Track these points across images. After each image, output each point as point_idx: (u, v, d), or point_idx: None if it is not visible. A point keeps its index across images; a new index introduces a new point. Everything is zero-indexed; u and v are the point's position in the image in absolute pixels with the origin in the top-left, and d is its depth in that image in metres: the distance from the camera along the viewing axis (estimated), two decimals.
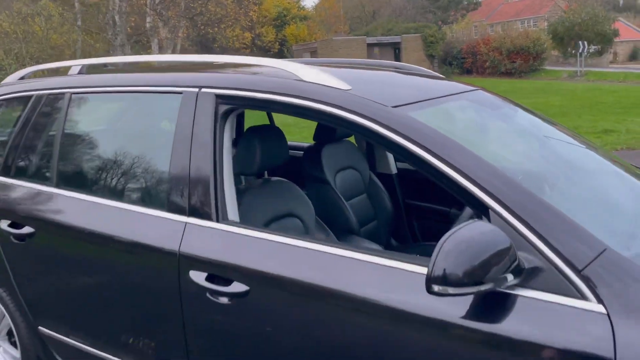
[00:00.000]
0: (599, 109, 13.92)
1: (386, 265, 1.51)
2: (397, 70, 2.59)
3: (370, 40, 35.05)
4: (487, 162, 1.48)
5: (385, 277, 1.50)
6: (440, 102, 1.87)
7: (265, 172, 2.92)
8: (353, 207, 2.83)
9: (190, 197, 1.86)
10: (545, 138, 2.07)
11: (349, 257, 1.56)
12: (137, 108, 2.27)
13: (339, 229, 2.73)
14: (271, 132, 2.22)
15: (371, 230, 2.96)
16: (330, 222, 2.75)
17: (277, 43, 42.71)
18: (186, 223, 1.85)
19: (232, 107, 1.89)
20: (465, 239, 1.28)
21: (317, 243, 1.64)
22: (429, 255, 1.32)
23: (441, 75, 2.66)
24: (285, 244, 1.67)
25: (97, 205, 2.09)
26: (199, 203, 1.84)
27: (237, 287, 1.68)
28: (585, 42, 27.56)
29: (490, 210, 1.41)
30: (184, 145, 1.91)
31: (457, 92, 2.01)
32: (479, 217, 1.45)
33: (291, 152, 3.43)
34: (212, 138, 1.86)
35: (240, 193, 2.08)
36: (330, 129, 2.82)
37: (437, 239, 2.99)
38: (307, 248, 1.64)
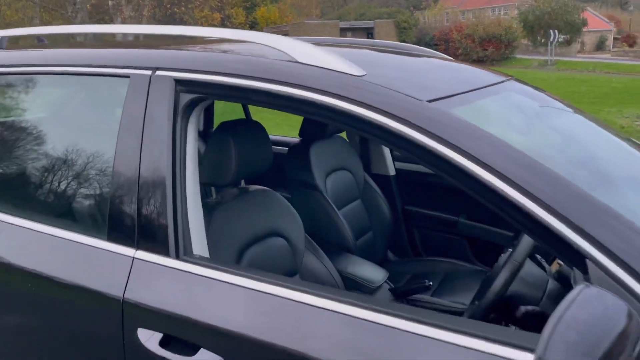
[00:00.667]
0: (574, 99, 13.76)
1: (426, 336, 1.03)
2: (403, 51, 2.09)
3: (344, 24, 34.38)
4: (583, 192, 1.01)
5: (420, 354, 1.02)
6: (480, 95, 1.39)
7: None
8: (346, 216, 2.35)
9: (140, 221, 1.34)
10: (610, 144, 1.62)
11: (368, 321, 1.08)
12: (67, 97, 1.71)
13: (331, 245, 2.24)
14: (250, 130, 1.70)
15: (366, 243, 2.49)
16: (321, 236, 2.26)
17: (248, 25, 41.55)
18: (134, 259, 1.33)
19: (198, 97, 1.37)
20: (585, 321, 0.81)
21: (319, 294, 1.15)
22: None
23: (450, 57, 2.18)
24: (275, 295, 1.17)
25: (9, 228, 1.54)
26: (152, 230, 1.33)
27: (206, 357, 1.17)
28: (556, 31, 27.66)
29: (589, 261, 0.95)
30: (131, 149, 1.38)
31: (492, 82, 1.53)
32: (570, 266, 0.98)
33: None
34: (170, 139, 1.34)
35: (209, 210, 1.57)
36: (320, 123, 2.31)
37: (442, 253, 2.57)
38: (305, 303, 1.14)
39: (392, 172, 2.72)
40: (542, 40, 30.25)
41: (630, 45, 35.68)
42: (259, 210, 1.78)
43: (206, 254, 1.38)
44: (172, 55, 1.47)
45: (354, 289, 1.96)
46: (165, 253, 1.30)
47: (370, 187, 2.58)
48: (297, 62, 1.29)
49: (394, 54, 1.83)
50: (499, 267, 1.46)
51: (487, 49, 29.98)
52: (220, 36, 1.41)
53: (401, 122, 1.11)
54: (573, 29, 32.03)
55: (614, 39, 41.62)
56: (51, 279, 1.41)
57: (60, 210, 1.57)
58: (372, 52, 1.81)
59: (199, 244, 1.36)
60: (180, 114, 1.36)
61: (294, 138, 2.99)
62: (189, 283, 1.25)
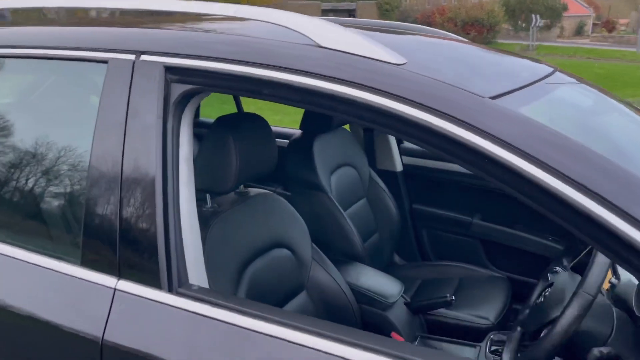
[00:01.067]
0: None
1: None
2: (418, 33, 1.83)
3: (325, 6, 33.85)
4: None
5: None
6: (540, 91, 1.15)
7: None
8: (352, 217, 2.11)
9: (123, 242, 1.08)
10: None
11: None
12: (29, 87, 1.42)
13: (338, 252, 2.01)
14: (253, 126, 1.45)
15: (372, 246, 2.26)
16: (326, 243, 2.01)
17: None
18: (115, 290, 1.07)
19: (194, 89, 1.10)
20: None
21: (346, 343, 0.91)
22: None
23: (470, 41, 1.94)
24: (301, 345, 0.92)
25: None
26: (139, 254, 1.07)
27: None
28: (538, 16, 27.63)
29: None
30: (111, 151, 1.11)
31: (544, 74, 1.29)
32: None
33: None
34: (159, 140, 1.08)
35: (204, 221, 1.31)
36: (324, 115, 2.05)
37: (454, 257, 2.36)
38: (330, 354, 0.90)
39: (399, 167, 2.49)
40: (523, 25, 30.21)
41: (610, 31, 35.96)
42: (261, 218, 1.53)
43: (204, 282, 1.13)
44: (162, 35, 1.19)
45: (366, 304, 1.74)
46: (155, 284, 1.04)
47: (376, 185, 2.34)
48: (321, 46, 1.03)
49: (418, 37, 1.57)
50: (544, 288, 1.24)
51: (469, 33, 29.84)
52: (222, 13, 1.13)
53: (464, 126, 0.86)
54: (554, 14, 32.10)
55: (593, 24, 41.88)
56: (10, 312, 1.15)
57: (22, 226, 1.29)
58: (393, 34, 1.55)
59: (197, 271, 1.11)
60: (172, 109, 1.10)
61: (289, 128, 2.73)
62: (186, 324, 1.00)
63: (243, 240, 1.44)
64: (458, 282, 2.16)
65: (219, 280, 1.30)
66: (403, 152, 2.51)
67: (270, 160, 1.46)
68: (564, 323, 1.04)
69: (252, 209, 1.52)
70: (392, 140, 2.48)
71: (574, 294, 1.06)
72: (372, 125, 0.98)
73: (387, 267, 2.37)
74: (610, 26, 37.15)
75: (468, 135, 0.86)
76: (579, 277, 1.22)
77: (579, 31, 43.79)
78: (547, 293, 1.18)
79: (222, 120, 1.39)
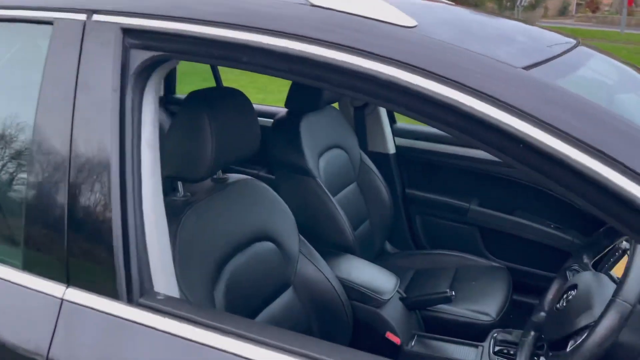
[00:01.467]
0: None
1: None
2: None
3: None
4: None
5: None
6: (572, 61, 0.97)
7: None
8: (341, 204, 1.94)
9: (71, 241, 0.89)
10: None
11: None
12: None
13: (327, 242, 1.84)
14: (232, 102, 1.25)
15: (363, 234, 2.09)
16: (314, 232, 1.84)
17: None
18: (62, 300, 0.88)
19: (159, 56, 0.91)
20: None
21: None
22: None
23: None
24: None
25: None
26: (91, 256, 0.88)
27: None
28: None
29: None
30: (57, 130, 0.91)
31: (570, 46, 1.12)
32: None
33: None
34: (115, 117, 0.88)
35: (176, 213, 1.13)
36: (312, 90, 1.86)
37: (449, 245, 2.21)
38: None
39: (392, 149, 2.31)
40: (508, 4, 30.01)
41: (593, 11, 35.97)
42: (242, 208, 1.35)
43: (174, 289, 0.95)
44: None
45: (359, 301, 1.58)
46: (112, 293, 0.86)
47: (367, 168, 2.17)
48: (312, 4, 0.84)
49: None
50: (566, 290, 1.09)
51: None
52: None
53: (497, 104, 0.68)
54: None
55: (577, 4, 41.89)
56: None
57: None
58: None
59: (164, 275, 0.93)
60: (132, 81, 0.90)
61: (274, 107, 2.53)
62: (148, 343, 0.82)
63: (221, 233, 1.26)
64: (454, 273, 2.01)
65: (192, 281, 1.12)
66: (396, 132, 2.34)
67: (251, 142, 1.27)
68: (599, 336, 0.89)
69: (232, 198, 1.34)
70: (385, 120, 2.30)
71: (611, 302, 0.90)
72: (376, 101, 0.80)
73: (379, 256, 2.22)
74: (594, 6, 37.13)
75: (505, 117, 0.68)
76: (604, 278, 1.06)
77: (563, 11, 43.83)
78: (570, 297, 1.03)
79: (195, 95, 1.19)
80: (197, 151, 1.13)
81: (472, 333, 1.65)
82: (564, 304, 1.04)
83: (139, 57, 0.90)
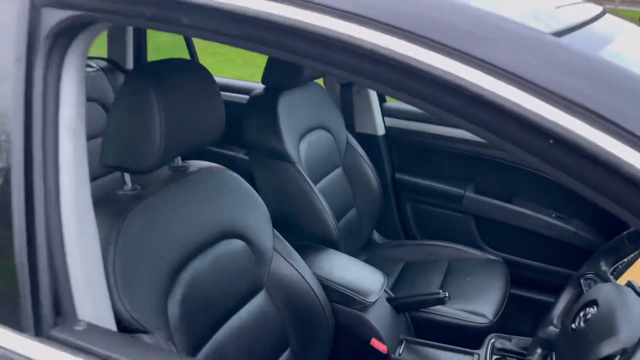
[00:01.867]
0: None
1: None
2: None
3: None
4: None
5: None
6: (603, 30, 0.78)
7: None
8: (325, 191, 1.76)
9: None
10: None
11: None
12: None
13: (307, 235, 1.66)
14: (187, 76, 1.05)
15: (349, 223, 1.92)
16: (292, 224, 1.66)
17: None
18: None
19: (79, 16, 0.70)
20: None
21: None
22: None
23: None
24: None
25: None
26: None
27: None
28: None
29: None
30: None
31: (597, 12, 0.92)
32: None
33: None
34: (21, 96, 0.68)
35: (120, 213, 0.95)
36: (293, 65, 1.65)
37: (442, 235, 2.03)
38: None
39: (381, 130, 2.12)
40: None
41: None
42: (205, 201, 1.16)
43: (106, 312, 0.76)
44: None
45: (341, 303, 1.41)
46: (14, 324, 0.67)
47: (354, 151, 1.98)
48: None
49: None
50: (582, 306, 0.91)
51: None
52: None
53: (526, 87, 0.49)
54: None
55: None
56: None
57: None
58: None
59: (90, 295, 0.74)
60: (45, 48, 0.70)
61: (254, 83, 2.32)
62: None
63: (177, 232, 1.07)
64: (447, 266, 1.85)
65: (140, 293, 0.94)
66: (386, 112, 2.14)
67: (213, 125, 1.08)
68: None
69: (192, 190, 1.14)
70: (374, 98, 2.11)
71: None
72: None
73: (366, 247, 2.05)
74: None
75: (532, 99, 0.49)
76: (630, 294, 0.89)
77: None
78: (588, 316, 0.86)
79: (142, 69, 0.99)
80: (142, 136, 0.94)
81: (466, 337, 1.49)
82: (581, 324, 0.87)
83: (52, 17, 0.69)
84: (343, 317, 1.40)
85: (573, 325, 0.89)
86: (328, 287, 1.41)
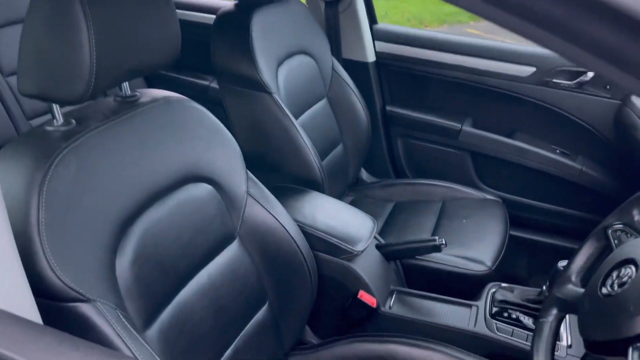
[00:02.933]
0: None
1: None
2: None
3: None
4: None
5: None
6: None
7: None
8: (308, 126, 1.56)
9: None
10: None
11: None
12: None
13: (287, 176, 1.48)
14: None
15: (334, 161, 1.74)
16: (271, 163, 1.48)
17: None
18: None
19: None
20: None
21: None
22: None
23: None
24: None
25: None
26: None
27: None
28: None
29: None
30: None
31: None
32: None
33: (186, 14, 1.97)
34: None
35: (46, 155, 0.76)
36: None
37: (435, 173, 1.82)
38: None
39: (371, 57, 1.89)
40: None
41: None
42: (161, 138, 0.96)
43: (23, 292, 0.58)
44: None
45: (325, 252, 1.25)
46: None
47: (341, 80, 1.76)
48: None
49: None
50: (612, 268, 0.76)
51: None
52: None
53: None
54: None
55: None
56: None
57: None
58: None
59: None
60: None
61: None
62: None
63: (126, 176, 0.88)
64: (441, 207, 1.70)
65: (78, 254, 0.76)
66: (377, 36, 1.91)
67: (165, 43, 0.86)
68: None
69: (144, 125, 0.94)
70: (364, 18, 1.86)
71: None
72: None
73: (353, 186, 1.89)
74: None
75: None
76: None
77: None
78: (625, 279, 0.71)
79: None
80: (66, 56, 0.72)
81: (463, 286, 1.37)
82: (615, 288, 0.71)
83: None
84: (327, 268, 1.25)
85: (604, 290, 0.73)
86: (310, 234, 1.25)
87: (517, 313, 1.20)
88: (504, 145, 1.81)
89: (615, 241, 0.85)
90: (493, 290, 1.28)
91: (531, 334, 1.14)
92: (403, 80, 1.91)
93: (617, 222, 0.86)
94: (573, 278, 0.90)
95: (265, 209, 1.15)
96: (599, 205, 1.69)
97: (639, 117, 1.57)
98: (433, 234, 1.55)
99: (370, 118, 1.81)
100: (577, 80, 1.68)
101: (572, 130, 1.73)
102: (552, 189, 1.76)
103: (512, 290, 1.26)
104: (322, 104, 1.72)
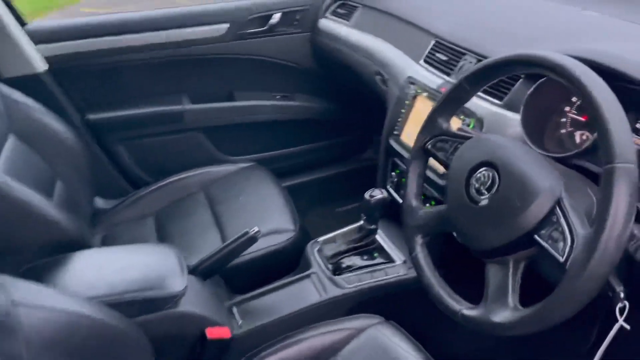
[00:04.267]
0: None
1: None
2: None
3: None
4: None
5: None
6: None
7: None
8: (13, 176, 1.15)
9: None
10: None
11: None
12: None
13: (30, 251, 1.08)
14: None
15: (62, 203, 1.35)
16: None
17: None
18: None
19: None
20: None
21: None
22: None
23: None
24: None
25: None
26: None
27: None
28: None
29: None
30: None
31: None
32: None
33: None
34: None
35: None
36: None
37: (176, 167, 1.67)
38: None
39: (41, 65, 1.49)
40: None
41: None
42: None
43: None
44: None
45: (148, 312, 0.97)
46: None
47: (19, 107, 1.34)
48: None
49: None
50: None
51: None
52: None
53: None
54: None
55: None
56: None
57: None
58: None
59: None
60: None
61: None
62: None
63: None
64: (205, 196, 1.54)
65: None
66: (37, 38, 1.50)
67: None
68: None
69: None
70: (10, 22, 1.43)
71: None
72: None
73: (94, 222, 1.53)
74: None
75: None
76: (499, 139, 0.80)
77: None
78: (489, 185, 0.73)
79: None
80: None
81: (285, 260, 1.29)
82: (487, 194, 0.74)
83: None
84: (156, 329, 0.99)
85: (477, 198, 0.75)
86: (116, 304, 0.95)
87: (353, 258, 1.20)
88: (229, 109, 1.73)
89: (440, 153, 0.88)
90: (316, 249, 1.25)
91: (379, 267, 1.16)
92: (94, 80, 1.59)
93: (430, 137, 0.90)
94: (415, 203, 0.91)
95: (46, 308, 0.80)
96: (338, 128, 1.82)
97: (328, 40, 1.70)
98: (220, 226, 1.40)
99: (74, 136, 1.46)
100: (268, 24, 1.69)
101: (282, 73, 1.76)
102: (294, 131, 1.80)
103: (334, 240, 1.25)
104: (10, 144, 1.29)
